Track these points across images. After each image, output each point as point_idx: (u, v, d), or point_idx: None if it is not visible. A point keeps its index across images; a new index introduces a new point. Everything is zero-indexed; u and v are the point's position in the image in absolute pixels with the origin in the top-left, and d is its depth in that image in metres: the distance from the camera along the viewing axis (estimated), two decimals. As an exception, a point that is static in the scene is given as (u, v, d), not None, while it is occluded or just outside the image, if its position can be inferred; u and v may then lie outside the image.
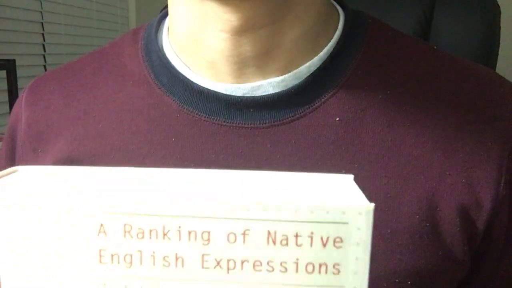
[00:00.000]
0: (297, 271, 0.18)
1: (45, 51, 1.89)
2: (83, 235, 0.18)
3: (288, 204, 0.17)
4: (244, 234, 0.17)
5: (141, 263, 0.17)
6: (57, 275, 0.18)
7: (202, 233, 0.17)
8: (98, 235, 0.17)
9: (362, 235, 0.18)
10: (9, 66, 1.52)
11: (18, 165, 0.42)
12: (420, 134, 0.36)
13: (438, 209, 0.35)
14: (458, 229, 0.35)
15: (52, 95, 0.43)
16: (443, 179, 0.35)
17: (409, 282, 0.35)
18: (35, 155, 0.42)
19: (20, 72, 1.60)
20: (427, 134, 0.36)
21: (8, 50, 1.69)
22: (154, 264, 0.17)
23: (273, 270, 0.18)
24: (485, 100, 0.37)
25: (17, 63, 1.55)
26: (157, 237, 0.17)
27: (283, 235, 0.17)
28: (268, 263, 0.17)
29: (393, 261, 0.35)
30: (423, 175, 0.35)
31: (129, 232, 0.17)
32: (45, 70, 1.92)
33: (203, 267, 0.18)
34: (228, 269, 0.17)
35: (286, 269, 0.17)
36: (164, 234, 0.17)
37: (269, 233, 0.17)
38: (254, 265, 0.17)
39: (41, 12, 1.86)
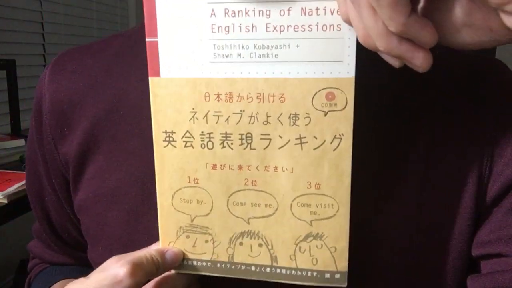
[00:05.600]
0: (317, 29, 0.29)
1: (45, 51, 1.89)
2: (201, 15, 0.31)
3: None
4: (288, 10, 0.29)
5: (234, 31, 0.30)
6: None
7: (266, 10, 0.30)
8: (211, 16, 0.31)
9: None
10: (9, 66, 1.52)
11: (47, 145, 0.43)
12: (414, 141, 0.36)
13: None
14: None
15: (75, 75, 0.43)
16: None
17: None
18: (62, 134, 0.42)
19: (20, 72, 1.60)
20: (420, 137, 0.36)
21: (8, 50, 1.69)
22: (240, 31, 0.30)
23: (304, 30, 0.29)
24: (477, 87, 0.37)
25: (17, 63, 1.55)
26: (241, 15, 0.30)
27: (309, 9, 0.29)
28: (301, 26, 0.29)
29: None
30: (414, 182, 0.36)
31: (227, 13, 0.30)
32: (45, 70, 1.92)
33: (266, 31, 0.30)
34: (280, 31, 0.30)
35: (311, 29, 0.29)
36: (246, 13, 0.30)
37: (301, 8, 0.29)
38: (294, 28, 0.29)
39: (41, 12, 1.86)
